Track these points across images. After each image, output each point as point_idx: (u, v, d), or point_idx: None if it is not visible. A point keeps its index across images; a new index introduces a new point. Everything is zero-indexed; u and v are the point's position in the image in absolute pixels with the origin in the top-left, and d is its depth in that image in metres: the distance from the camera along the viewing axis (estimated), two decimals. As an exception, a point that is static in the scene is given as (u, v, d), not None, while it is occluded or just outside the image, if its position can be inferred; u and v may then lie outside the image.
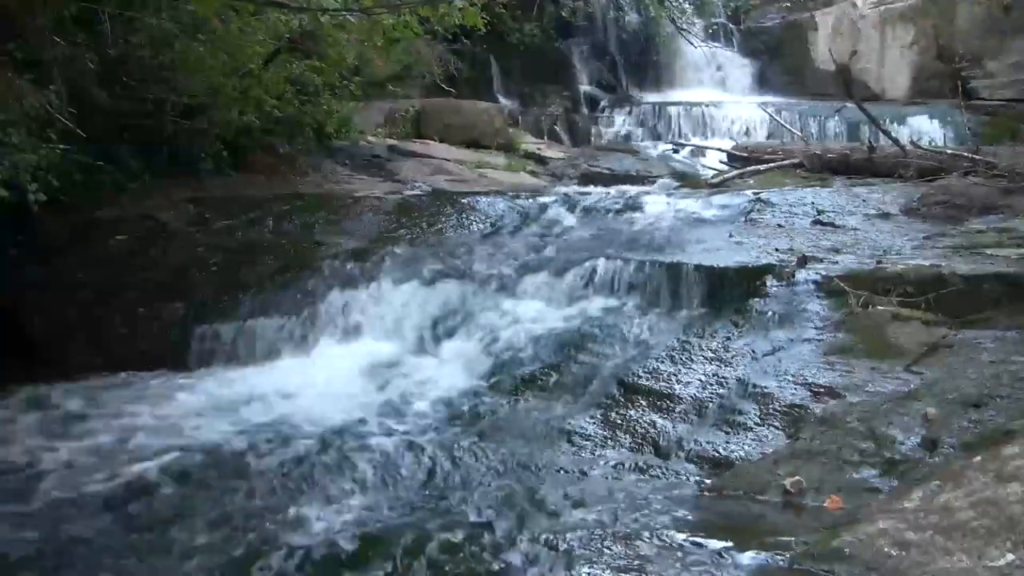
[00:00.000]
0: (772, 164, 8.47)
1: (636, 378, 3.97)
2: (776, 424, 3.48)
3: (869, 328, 4.01)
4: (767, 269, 4.66)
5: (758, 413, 3.55)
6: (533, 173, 9.17)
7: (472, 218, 6.27)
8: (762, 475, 3.05)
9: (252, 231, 6.05)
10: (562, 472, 3.42)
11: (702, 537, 2.61)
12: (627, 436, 3.63)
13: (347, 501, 3.29)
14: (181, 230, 6.00)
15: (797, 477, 2.92)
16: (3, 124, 4.64)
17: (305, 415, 4.07)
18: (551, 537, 2.69)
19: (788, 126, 10.38)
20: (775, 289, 4.48)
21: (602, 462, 3.48)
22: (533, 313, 4.84)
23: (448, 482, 3.44)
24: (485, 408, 4.04)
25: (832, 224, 5.67)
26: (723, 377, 3.86)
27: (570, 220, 6.23)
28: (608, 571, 2.46)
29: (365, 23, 6.89)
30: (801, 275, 4.52)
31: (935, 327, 3.96)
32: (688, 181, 8.35)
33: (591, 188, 7.38)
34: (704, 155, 10.11)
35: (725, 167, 9.22)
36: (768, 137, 10.67)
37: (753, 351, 4.02)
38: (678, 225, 5.95)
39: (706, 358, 4.05)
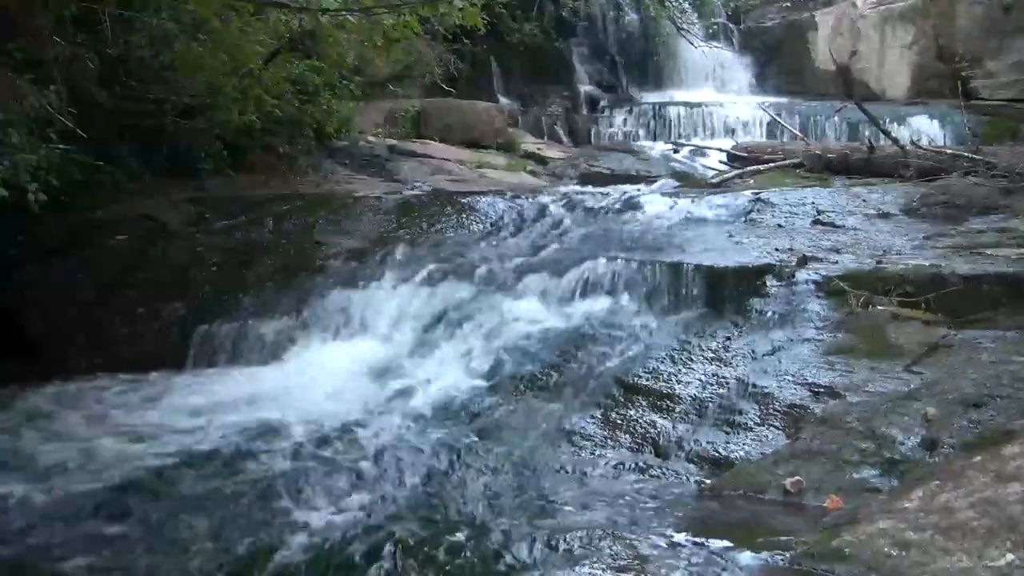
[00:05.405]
0: (772, 164, 8.47)
1: (636, 378, 3.97)
2: (776, 424, 3.48)
3: (869, 328, 4.01)
4: (767, 269, 4.65)
5: (758, 413, 3.55)
6: (533, 173, 9.18)
7: (472, 218, 6.27)
8: (762, 475, 3.05)
9: (252, 231, 6.05)
10: (562, 472, 3.42)
11: (702, 537, 2.61)
12: (627, 436, 3.63)
13: (347, 501, 3.29)
14: (181, 230, 6.00)
15: (797, 477, 2.92)
16: (3, 124, 4.65)
17: (305, 415, 4.06)
18: (551, 537, 2.69)
19: (788, 126, 10.39)
20: (775, 289, 4.48)
21: (602, 462, 3.48)
22: (533, 313, 4.84)
23: (448, 482, 3.43)
24: (485, 408, 4.03)
25: (832, 224, 5.66)
26: (723, 377, 3.86)
27: (570, 220, 6.23)
28: (608, 571, 2.45)
29: (365, 23, 6.89)
30: (801, 275, 4.52)
31: (935, 327, 3.96)
32: (688, 181, 8.36)
33: (591, 188, 7.37)
34: (704, 155, 10.11)
35: (725, 167, 9.22)
36: (768, 137, 10.68)
37: (753, 351, 4.02)
38: (678, 225, 5.95)
39: (706, 358, 4.05)
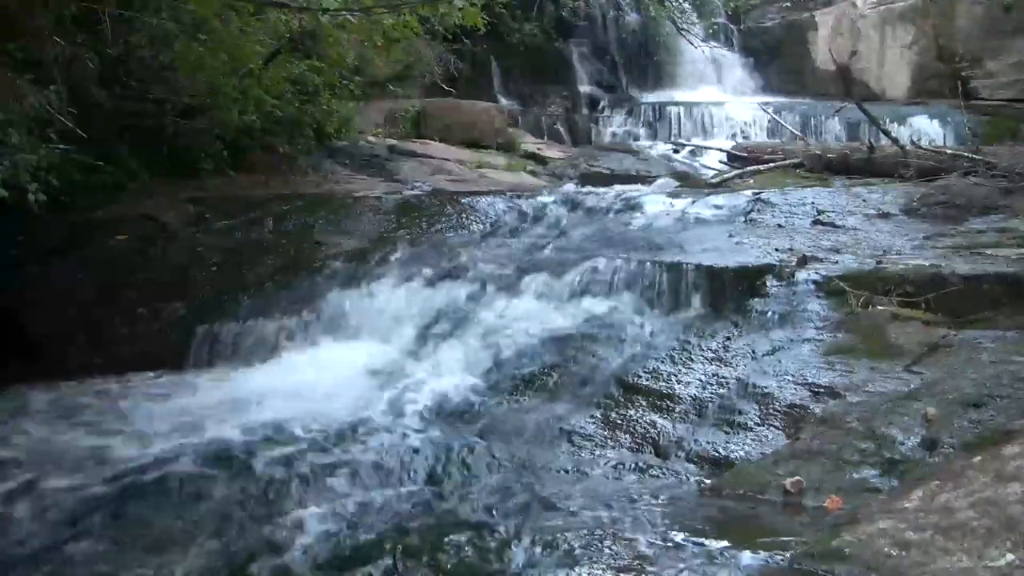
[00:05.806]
0: (772, 164, 8.49)
1: (636, 378, 3.97)
2: (776, 424, 3.48)
3: (869, 328, 4.01)
4: (767, 269, 4.65)
5: (758, 413, 3.55)
6: (533, 173, 9.18)
7: (472, 218, 6.27)
8: (762, 475, 3.04)
9: (252, 231, 6.05)
10: (562, 472, 3.42)
11: (702, 537, 2.61)
12: (627, 436, 3.63)
13: (347, 501, 3.29)
14: (181, 230, 6.00)
15: (797, 477, 2.92)
16: (3, 124, 4.65)
17: (305, 415, 4.06)
18: (551, 537, 2.69)
19: (788, 126, 10.39)
20: (775, 289, 4.48)
21: (602, 462, 3.48)
22: (533, 313, 4.83)
23: (448, 482, 3.44)
24: (485, 408, 4.03)
25: (832, 224, 5.67)
26: (723, 377, 3.86)
27: (570, 220, 6.23)
28: (608, 571, 2.45)
29: (365, 23, 6.89)
30: (801, 275, 4.52)
31: (935, 327, 3.96)
32: (688, 181, 8.36)
33: (591, 188, 7.37)
34: (704, 155, 10.12)
35: (725, 167, 9.23)
36: (768, 137, 10.69)
37: (753, 351, 4.02)
38: (678, 225, 5.95)
39: (706, 358, 4.05)
